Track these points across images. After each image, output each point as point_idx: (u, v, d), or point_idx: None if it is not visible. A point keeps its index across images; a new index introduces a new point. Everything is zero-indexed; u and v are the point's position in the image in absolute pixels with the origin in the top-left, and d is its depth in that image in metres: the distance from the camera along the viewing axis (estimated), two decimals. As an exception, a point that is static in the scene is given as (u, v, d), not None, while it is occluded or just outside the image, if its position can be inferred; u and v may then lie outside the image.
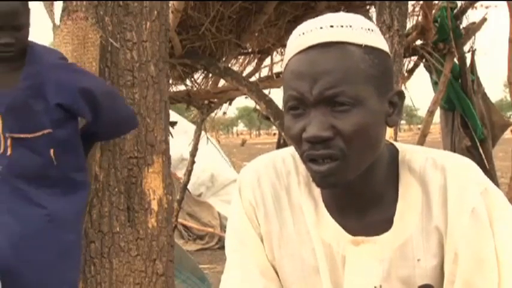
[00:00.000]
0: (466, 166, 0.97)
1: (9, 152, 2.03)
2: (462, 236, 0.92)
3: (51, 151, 2.08)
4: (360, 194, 0.98)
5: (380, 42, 0.94)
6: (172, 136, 2.39)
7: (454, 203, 0.93)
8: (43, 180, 2.08)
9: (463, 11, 4.38)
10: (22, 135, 2.04)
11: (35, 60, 2.09)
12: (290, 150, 1.06)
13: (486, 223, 0.92)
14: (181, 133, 2.36)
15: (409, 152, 1.01)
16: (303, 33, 0.92)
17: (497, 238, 0.92)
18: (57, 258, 2.09)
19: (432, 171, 0.97)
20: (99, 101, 2.12)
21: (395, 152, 1.01)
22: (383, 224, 0.98)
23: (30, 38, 2.14)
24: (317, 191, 1.03)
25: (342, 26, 0.91)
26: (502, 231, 0.92)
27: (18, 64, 2.08)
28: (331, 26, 0.91)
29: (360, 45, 0.90)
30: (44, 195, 2.08)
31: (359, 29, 0.91)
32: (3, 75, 2.07)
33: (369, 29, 0.93)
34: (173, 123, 2.49)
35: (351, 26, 0.91)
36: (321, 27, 0.91)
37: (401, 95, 0.97)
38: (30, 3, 2.14)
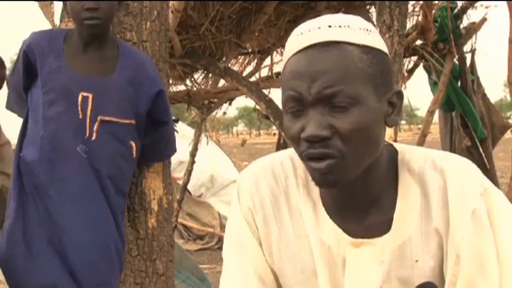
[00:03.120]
0: (466, 167, 0.97)
1: (94, 137, 2.06)
2: (463, 237, 0.92)
3: (132, 142, 2.14)
4: (359, 195, 0.98)
5: (378, 42, 0.93)
6: (177, 132, 2.45)
7: (455, 205, 0.93)
8: (115, 170, 2.11)
9: (463, 10, 4.38)
10: (111, 118, 2.08)
11: (128, 54, 2.15)
12: (289, 153, 1.06)
13: (487, 224, 0.92)
14: (179, 137, 2.37)
15: (408, 152, 1.01)
16: (301, 34, 0.92)
17: (498, 239, 0.92)
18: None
19: (431, 173, 0.96)
20: (168, 115, 2.25)
21: (394, 152, 1.01)
22: (382, 225, 0.98)
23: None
24: (316, 193, 1.03)
25: (340, 26, 0.91)
26: (503, 232, 0.92)
27: (113, 54, 2.13)
28: (329, 26, 0.91)
29: (358, 45, 0.90)
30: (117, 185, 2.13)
31: (357, 29, 0.91)
32: (98, 63, 2.12)
33: (367, 30, 0.93)
34: (175, 120, 2.52)
35: (349, 26, 0.91)
36: (319, 28, 0.91)
37: (400, 95, 0.96)
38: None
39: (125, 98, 2.11)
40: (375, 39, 0.93)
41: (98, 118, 2.05)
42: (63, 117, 2.05)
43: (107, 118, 2.07)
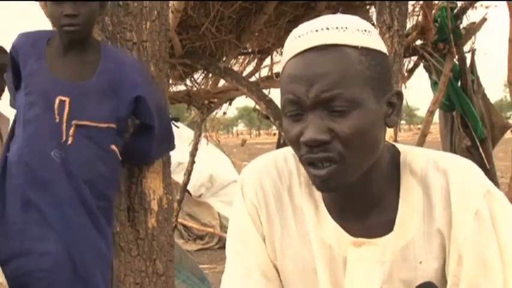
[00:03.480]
0: (468, 168, 0.96)
1: (70, 141, 2.03)
2: (466, 238, 0.92)
3: (113, 146, 2.11)
4: (361, 196, 0.98)
5: (377, 43, 0.93)
6: (177, 127, 2.44)
7: (458, 206, 0.93)
8: (94, 175, 2.09)
9: (463, 11, 4.38)
10: (88, 123, 2.05)
11: (110, 57, 2.12)
12: (291, 150, 1.06)
13: (489, 225, 0.92)
14: (177, 138, 2.37)
15: (410, 153, 1.00)
16: (299, 36, 0.92)
17: (501, 240, 0.92)
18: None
19: (434, 174, 0.96)
20: (155, 113, 2.19)
21: (396, 153, 1.01)
22: (384, 226, 0.97)
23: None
24: (318, 193, 1.02)
25: (337, 28, 0.90)
26: (505, 233, 0.92)
27: (93, 58, 2.11)
28: (327, 29, 0.90)
29: (356, 47, 0.89)
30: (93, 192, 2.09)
31: (355, 31, 0.91)
32: (78, 67, 2.10)
33: (365, 30, 0.92)
34: (175, 119, 2.52)
35: (346, 28, 0.91)
36: (317, 30, 0.91)
37: (399, 95, 0.96)
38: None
39: (103, 102, 2.09)
40: (373, 40, 0.92)
41: (73, 122, 2.04)
42: (41, 120, 2.04)
43: (84, 122, 2.05)
